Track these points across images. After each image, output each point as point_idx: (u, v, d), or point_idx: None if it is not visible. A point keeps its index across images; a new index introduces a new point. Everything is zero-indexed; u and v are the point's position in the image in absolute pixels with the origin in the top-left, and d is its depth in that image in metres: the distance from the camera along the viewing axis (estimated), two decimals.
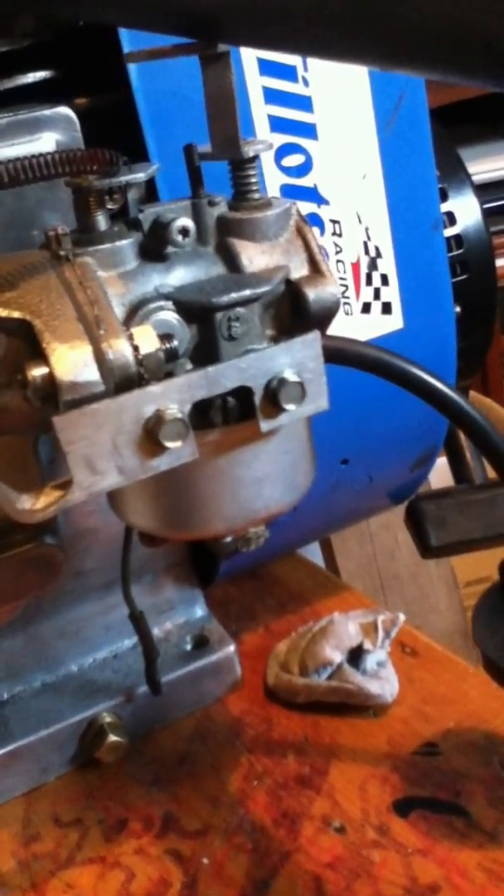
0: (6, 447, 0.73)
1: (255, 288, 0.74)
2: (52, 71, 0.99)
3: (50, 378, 0.66)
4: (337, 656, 1.17)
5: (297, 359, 0.72)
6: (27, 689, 1.19)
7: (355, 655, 1.18)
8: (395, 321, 1.11)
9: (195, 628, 1.26)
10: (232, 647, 1.22)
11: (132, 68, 0.93)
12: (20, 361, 0.68)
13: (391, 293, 1.11)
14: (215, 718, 1.19)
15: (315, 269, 0.79)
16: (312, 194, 1.06)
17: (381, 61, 0.58)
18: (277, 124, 1.02)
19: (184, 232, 0.75)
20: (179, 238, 0.75)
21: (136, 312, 0.73)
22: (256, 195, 0.80)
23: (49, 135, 0.93)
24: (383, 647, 1.19)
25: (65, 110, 0.93)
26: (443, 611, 2.37)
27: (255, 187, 0.79)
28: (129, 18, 0.72)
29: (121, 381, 0.68)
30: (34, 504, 0.69)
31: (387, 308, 1.12)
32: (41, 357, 0.67)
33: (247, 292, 0.74)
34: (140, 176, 0.75)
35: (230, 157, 0.77)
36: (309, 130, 1.05)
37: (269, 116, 1.01)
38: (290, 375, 0.72)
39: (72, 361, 0.67)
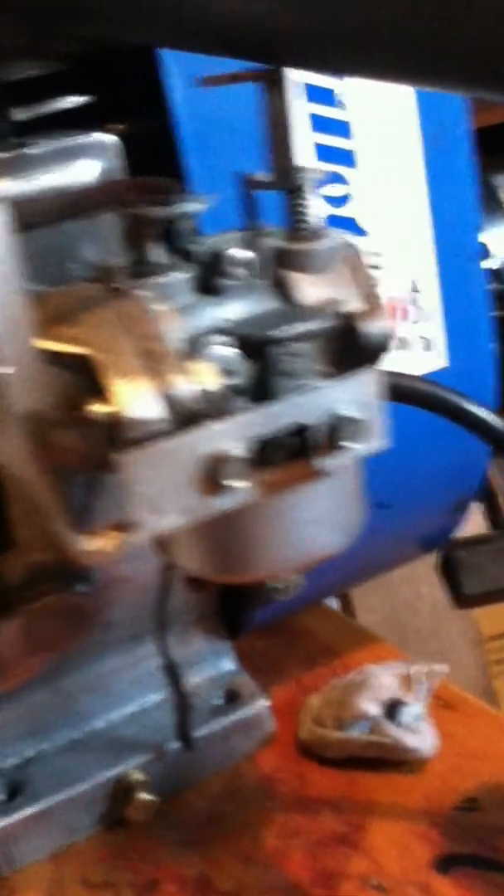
0: (44, 485, 0.73)
1: (312, 322, 0.75)
2: (88, 96, 1.00)
3: (112, 415, 0.67)
4: (373, 709, 1.17)
5: (355, 396, 0.73)
6: (52, 747, 1.19)
7: (392, 709, 1.18)
8: (437, 358, 1.12)
9: (225, 682, 1.26)
10: (265, 702, 1.22)
11: (175, 93, 0.94)
12: (77, 398, 0.69)
13: (432, 329, 1.12)
14: (245, 776, 1.20)
15: (369, 302, 0.80)
16: (351, 225, 1.07)
17: (457, 84, 0.60)
18: (322, 153, 1.03)
19: (243, 264, 0.76)
20: (238, 270, 0.76)
21: (193, 347, 0.74)
22: (310, 226, 0.81)
23: (91, 162, 0.94)
24: (421, 699, 1.19)
25: (107, 137, 0.95)
26: (465, 666, 2.37)
27: (309, 217, 0.80)
28: (192, 43, 0.74)
29: (183, 419, 0.69)
30: (93, 546, 0.69)
31: (428, 344, 1.13)
32: (101, 393, 0.68)
33: (304, 326, 0.75)
34: (199, 206, 0.76)
35: (288, 186, 0.78)
36: (347, 158, 1.06)
37: (317, 145, 1.02)
38: (349, 413, 0.73)
39: (134, 398, 0.67)
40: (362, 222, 1.07)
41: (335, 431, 0.72)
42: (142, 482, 0.68)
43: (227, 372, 0.73)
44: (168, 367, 0.69)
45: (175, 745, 1.18)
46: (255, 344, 0.75)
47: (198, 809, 1.16)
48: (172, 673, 1.09)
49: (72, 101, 0.98)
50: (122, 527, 0.70)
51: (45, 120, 1.00)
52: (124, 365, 0.69)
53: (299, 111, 1.01)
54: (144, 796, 1.13)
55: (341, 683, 1.24)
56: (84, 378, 0.70)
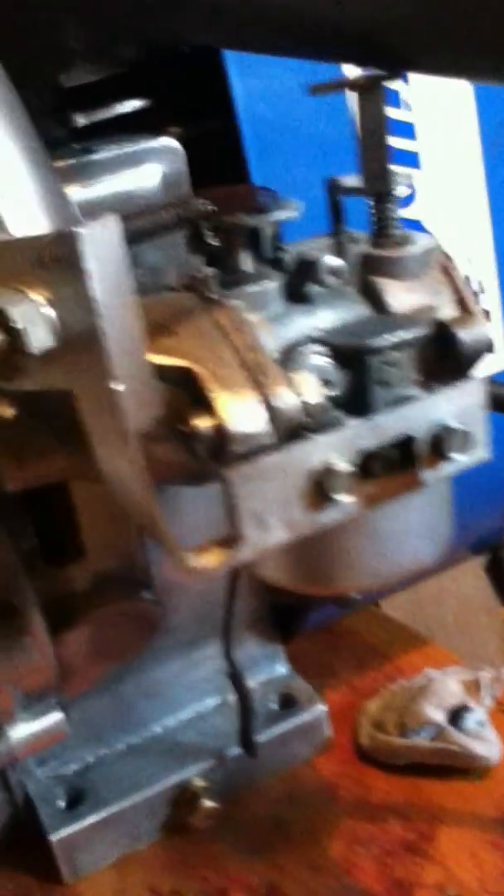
0: (150, 501, 0.73)
1: (410, 330, 0.74)
2: (146, 100, 0.99)
3: (217, 429, 0.66)
4: (438, 716, 1.17)
5: (460, 406, 0.73)
6: (112, 753, 1.19)
7: (455, 715, 1.18)
8: (499, 360, 1.12)
9: (279, 686, 1.26)
10: (323, 707, 1.22)
11: (240, 96, 0.94)
12: (180, 412, 0.68)
13: (495, 330, 1.12)
14: (306, 781, 1.19)
15: (464, 308, 0.79)
16: (416, 226, 1.06)
17: None
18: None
19: (333, 271, 0.75)
20: (328, 278, 0.75)
21: (288, 357, 0.73)
22: (398, 231, 0.80)
23: (154, 166, 0.94)
24: (485, 705, 1.19)
25: (170, 141, 0.94)
26: (492, 661, 2.36)
27: (396, 222, 0.80)
28: (307, 50, 0.73)
29: (286, 432, 0.68)
30: (201, 562, 0.69)
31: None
32: (205, 407, 0.67)
33: (402, 334, 0.74)
34: (292, 213, 0.75)
35: (379, 191, 0.77)
36: (412, 159, 1.05)
37: None
38: (454, 424, 0.72)
39: (240, 411, 0.67)
40: (426, 223, 1.06)
41: (441, 443, 0.71)
42: (248, 497, 0.67)
43: (325, 382, 0.72)
44: (271, 378, 0.68)
45: (235, 750, 1.16)
46: (352, 353, 0.74)
47: (261, 815, 1.16)
48: (237, 680, 1.08)
49: (131, 105, 0.97)
50: (227, 542, 0.69)
51: (101, 124, 1.00)
52: (227, 377, 0.68)
53: None
54: (208, 803, 1.12)
55: (401, 688, 1.23)
56: (186, 391, 0.69)
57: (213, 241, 0.79)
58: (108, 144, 0.92)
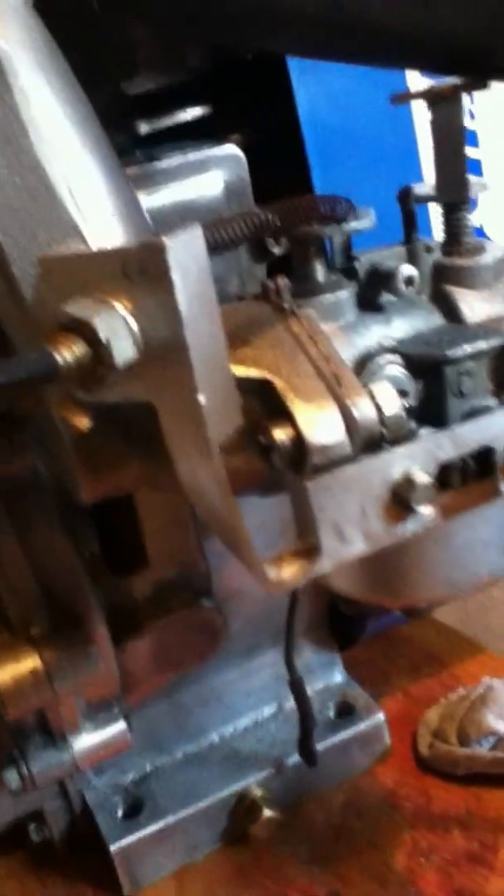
0: (231, 512, 0.72)
1: (488, 340, 0.74)
2: (207, 106, 0.99)
3: (296, 440, 0.66)
4: (500, 725, 1.16)
5: None
6: (170, 761, 1.18)
7: None
8: None
9: (336, 694, 1.26)
10: (381, 716, 1.22)
11: (301, 102, 0.94)
12: (257, 422, 0.68)
13: None
14: (366, 790, 1.19)
15: None
16: (479, 233, 1.06)
17: None
18: None
19: (409, 281, 0.75)
20: (404, 287, 0.75)
21: (363, 367, 0.73)
22: (470, 239, 0.79)
23: (217, 174, 0.94)
24: None
25: (233, 149, 0.94)
26: None
27: (469, 231, 0.79)
28: (393, 59, 0.73)
29: (365, 443, 0.68)
30: (280, 575, 0.68)
31: None
32: (283, 417, 0.67)
33: (480, 344, 0.74)
34: (369, 223, 0.75)
35: (454, 199, 0.77)
36: (475, 166, 1.05)
37: None
38: None
39: (320, 423, 0.66)
40: (489, 230, 1.06)
41: None
42: (327, 508, 0.67)
43: (402, 392, 0.72)
44: (348, 389, 0.68)
45: (294, 759, 1.16)
46: (428, 364, 0.74)
47: (322, 824, 1.15)
48: (298, 688, 1.08)
49: (193, 112, 0.97)
50: (305, 554, 0.69)
51: (163, 131, 1.00)
52: (305, 387, 0.68)
53: (421, 112, 1.00)
54: (269, 813, 1.12)
55: (460, 697, 1.22)
56: (263, 401, 0.69)
57: (275, 250, 0.79)
58: (171, 152, 0.91)
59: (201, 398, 0.60)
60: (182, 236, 0.57)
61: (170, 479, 0.71)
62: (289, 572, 0.68)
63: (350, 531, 0.67)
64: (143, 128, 0.91)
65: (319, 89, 0.89)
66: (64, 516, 0.91)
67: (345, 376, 0.68)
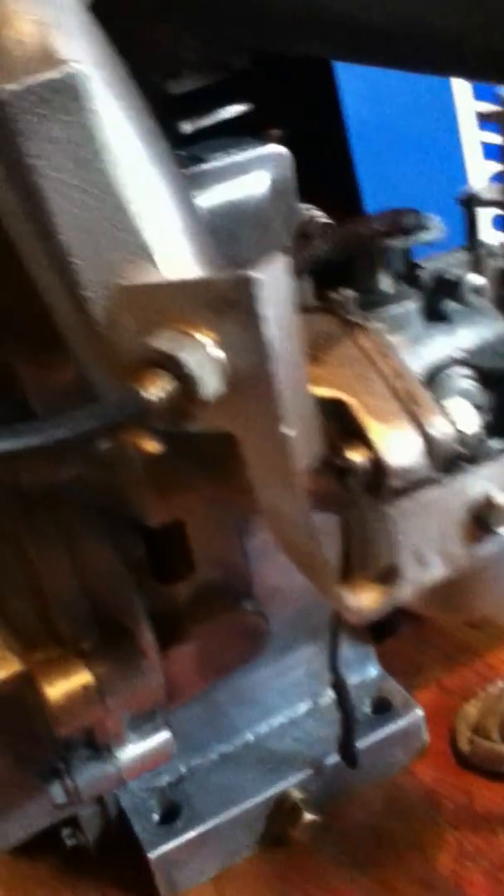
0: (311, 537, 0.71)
1: None
2: (247, 103, 0.98)
3: (374, 463, 0.65)
4: None
5: None
6: (205, 762, 1.18)
7: None
8: None
9: (372, 689, 1.25)
10: (420, 712, 1.21)
11: (346, 99, 0.92)
12: (332, 444, 0.67)
13: None
14: (406, 788, 1.18)
15: None
16: None
17: None
18: (490, 151, 1.01)
19: (477, 290, 0.74)
20: (471, 297, 0.74)
21: (432, 381, 0.72)
22: None
23: (262, 173, 0.92)
24: None
25: (278, 148, 0.92)
26: None
27: None
28: (449, 66, 0.71)
29: (444, 464, 0.66)
30: (357, 601, 0.67)
31: None
32: (358, 439, 0.66)
33: None
34: (440, 233, 0.74)
35: None
36: None
37: (483, 143, 1.00)
38: None
39: (398, 444, 0.65)
40: None
41: None
42: (407, 532, 0.65)
43: (477, 408, 0.71)
44: (424, 407, 0.67)
45: (332, 759, 1.15)
46: (500, 376, 0.73)
47: (361, 826, 1.15)
48: (343, 691, 1.07)
49: (235, 110, 0.96)
50: (384, 579, 0.67)
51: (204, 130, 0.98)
52: (380, 407, 0.67)
53: (466, 109, 0.99)
54: (310, 816, 1.11)
55: (501, 690, 1.21)
56: (337, 422, 0.68)
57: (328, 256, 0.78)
58: (215, 152, 0.90)
59: (287, 430, 0.59)
60: (270, 267, 0.56)
61: (239, 502, 0.70)
62: (368, 599, 0.67)
63: (429, 555, 0.66)
64: (187, 128, 0.89)
65: (364, 85, 0.87)
66: (109, 525, 0.89)
67: (419, 394, 0.67)
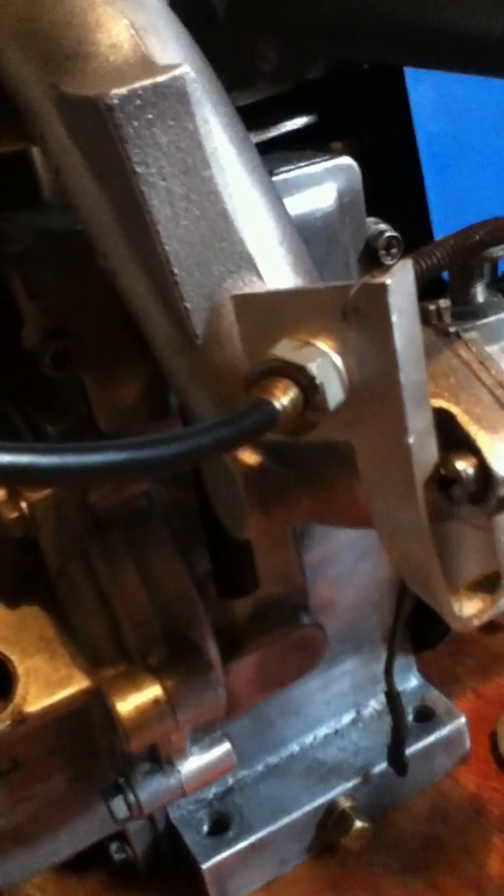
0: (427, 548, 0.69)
1: None
2: (312, 115, 0.96)
3: (481, 472, 0.63)
4: None
5: None
6: (252, 774, 1.16)
7: None
8: None
9: (414, 698, 1.23)
10: (463, 719, 1.20)
11: (416, 109, 0.90)
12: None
13: None
14: (450, 795, 1.17)
15: None
16: None
17: None
18: None
19: None
20: None
21: None
22: None
23: (330, 185, 0.90)
24: None
25: (347, 160, 0.90)
26: None
27: None
28: None
29: None
30: (461, 611, 0.65)
31: None
32: (464, 449, 0.63)
33: None
34: None
35: None
36: None
37: None
38: None
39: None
40: None
41: None
42: None
43: None
44: None
45: (380, 767, 1.14)
46: None
47: (410, 832, 1.14)
48: (396, 703, 1.05)
49: (300, 121, 0.93)
50: (489, 589, 0.65)
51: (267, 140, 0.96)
52: (485, 416, 0.65)
53: None
54: (360, 824, 1.09)
55: None
56: (442, 432, 0.65)
57: (388, 262, 0.76)
58: (281, 164, 0.87)
59: (410, 439, 0.56)
60: (398, 276, 0.53)
61: (339, 514, 0.67)
62: (473, 609, 0.65)
63: None
64: (253, 139, 0.87)
65: (434, 95, 0.85)
66: (176, 541, 0.87)
67: None
